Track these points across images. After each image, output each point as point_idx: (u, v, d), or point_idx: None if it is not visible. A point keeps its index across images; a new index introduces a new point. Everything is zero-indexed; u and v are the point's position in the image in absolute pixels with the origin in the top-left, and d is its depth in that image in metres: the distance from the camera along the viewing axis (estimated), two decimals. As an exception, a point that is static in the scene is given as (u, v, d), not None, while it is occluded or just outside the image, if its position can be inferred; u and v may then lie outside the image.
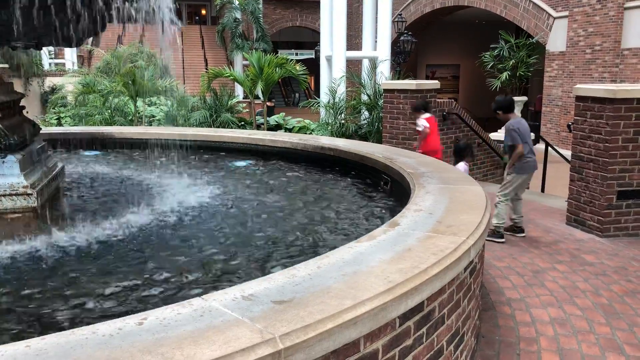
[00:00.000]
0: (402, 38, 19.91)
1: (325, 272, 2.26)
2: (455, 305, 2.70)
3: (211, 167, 6.39)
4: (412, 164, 4.74)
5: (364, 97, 12.91)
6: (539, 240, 5.94)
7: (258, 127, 14.96)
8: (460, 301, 2.78)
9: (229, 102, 14.84)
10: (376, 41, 19.59)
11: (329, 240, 3.68)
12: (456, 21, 27.84)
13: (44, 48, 5.46)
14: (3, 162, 3.73)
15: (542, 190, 9.10)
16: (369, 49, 20.13)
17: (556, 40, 18.48)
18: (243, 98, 21.43)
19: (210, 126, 13.45)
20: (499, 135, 11.58)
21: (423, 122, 7.51)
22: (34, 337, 1.71)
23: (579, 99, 6.40)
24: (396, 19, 20.83)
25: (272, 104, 13.32)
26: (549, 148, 9.49)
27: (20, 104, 4.42)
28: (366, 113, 12.61)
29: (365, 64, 18.95)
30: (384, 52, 18.26)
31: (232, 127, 13.47)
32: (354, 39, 27.83)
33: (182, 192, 4.91)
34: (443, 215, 3.16)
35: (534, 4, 19.24)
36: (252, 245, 3.61)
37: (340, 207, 4.53)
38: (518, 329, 3.86)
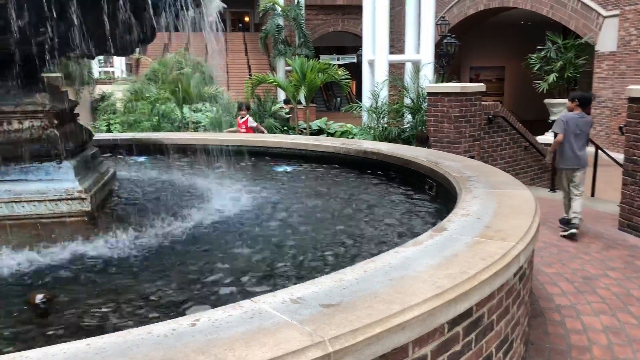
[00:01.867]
0: (445, 41, 19.71)
1: (372, 277, 2.27)
2: (504, 312, 2.66)
3: (256, 171, 6.47)
4: (457, 168, 4.69)
5: (407, 101, 12.82)
6: (589, 245, 5.77)
7: (300, 132, 15.05)
8: (509, 307, 2.74)
9: (272, 108, 15.01)
10: (419, 44, 19.47)
11: (375, 244, 3.67)
12: (500, 23, 27.36)
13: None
14: (59, 167, 3.88)
15: (592, 194, 8.84)
16: (411, 52, 20.03)
17: (606, 41, 17.94)
18: (285, 103, 21.62)
19: (254, 131, 13.62)
20: (546, 138, 11.33)
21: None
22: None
23: (632, 100, 6.20)
24: (439, 22, 20.64)
25: (289, 107, 13.57)
26: (599, 151, 9.22)
27: (74, 112, 4.59)
28: (409, 117, 12.52)
29: (408, 67, 18.85)
30: (427, 55, 18.14)
31: (275, 132, 13.61)
32: (396, 43, 27.71)
33: (229, 196, 4.99)
34: (491, 220, 3.12)
35: (583, 3, 18.74)
36: (298, 248, 3.64)
37: (386, 212, 4.52)
38: (569, 336, 3.76)
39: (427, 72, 16.03)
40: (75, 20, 3.14)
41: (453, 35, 20.18)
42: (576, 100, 6.40)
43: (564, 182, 6.49)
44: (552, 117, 15.65)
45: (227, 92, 17.74)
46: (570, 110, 6.51)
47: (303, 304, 2.01)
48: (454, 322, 2.22)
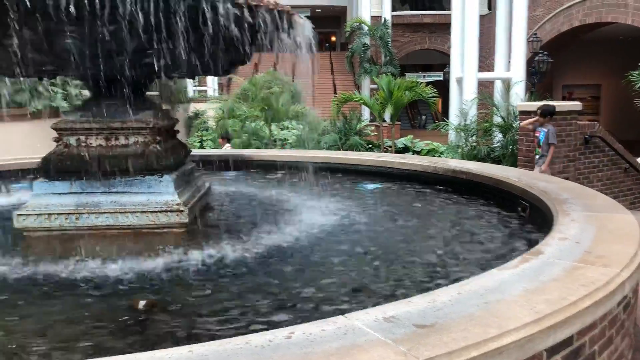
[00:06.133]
0: (537, 58, 19.07)
1: (466, 299, 2.23)
2: (607, 343, 2.52)
3: (342, 189, 6.52)
4: (552, 189, 4.50)
5: (497, 119, 12.51)
6: (700, 276, 5.33)
7: (385, 149, 15.03)
8: (612, 338, 2.59)
9: (358, 126, 15.10)
10: (509, 62, 18.98)
11: (468, 267, 3.59)
12: (597, 39, 26.05)
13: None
14: (160, 181, 4.10)
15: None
16: (501, 69, 19.56)
17: None
18: (370, 121, 21.70)
19: (339, 149, 13.75)
20: (650, 159, 10.65)
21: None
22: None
23: None
24: (531, 39, 20.02)
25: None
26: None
27: (175, 128, 4.85)
28: (499, 135, 12.21)
29: (498, 85, 18.40)
30: (518, 73, 17.65)
31: (360, 150, 13.67)
32: (484, 60, 27.09)
33: (319, 212, 5.06)
34: (591, 244, 2.97)
35: (690, 16, 17.56)
36: (392, 269, 3.63)
37: (478, 233, 4.40)
38: (678, 374, 3.49)
39: (519, 90, 15.57)
40: (180, 44, 3.34)
41: (545, 53, 19.48)
42: (549, 115, 8.19)
43: None
44: (655, 138, 14.69)
45: (313, 110, 18.06)
46: (542, 124, 8.25)
47: (396, 322, 2.00)
48: (552, 350, 2.13)
